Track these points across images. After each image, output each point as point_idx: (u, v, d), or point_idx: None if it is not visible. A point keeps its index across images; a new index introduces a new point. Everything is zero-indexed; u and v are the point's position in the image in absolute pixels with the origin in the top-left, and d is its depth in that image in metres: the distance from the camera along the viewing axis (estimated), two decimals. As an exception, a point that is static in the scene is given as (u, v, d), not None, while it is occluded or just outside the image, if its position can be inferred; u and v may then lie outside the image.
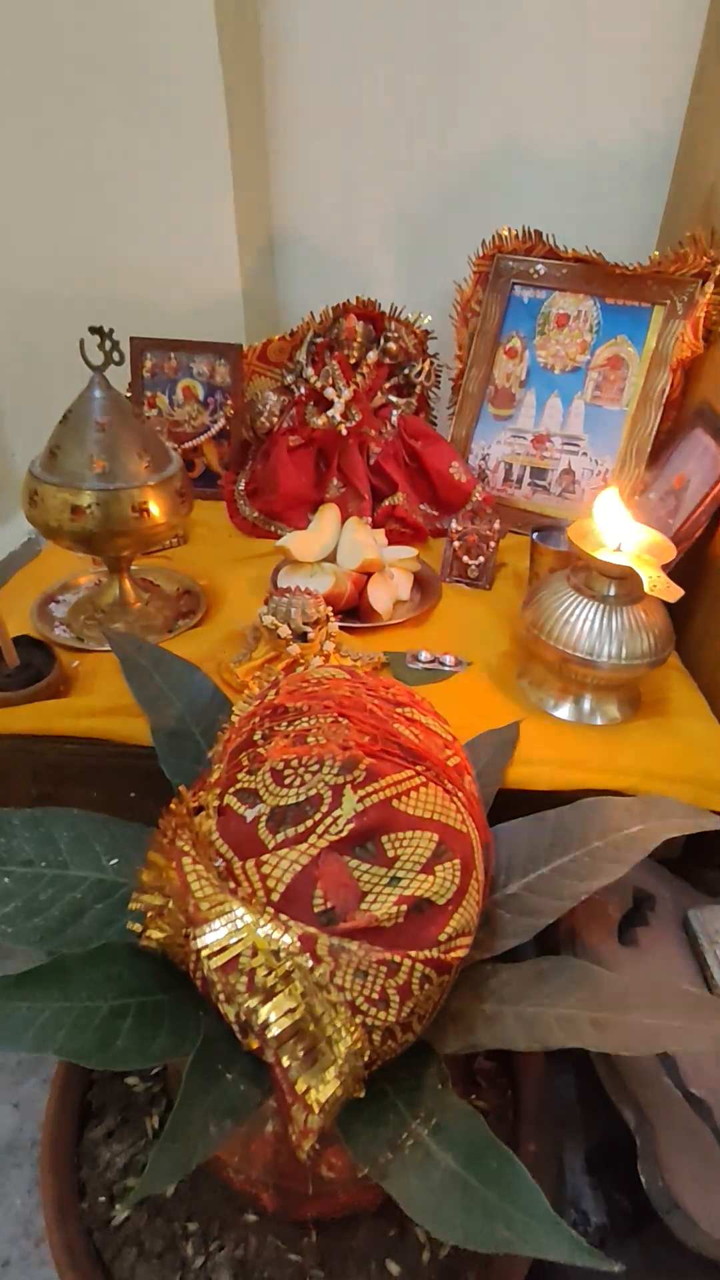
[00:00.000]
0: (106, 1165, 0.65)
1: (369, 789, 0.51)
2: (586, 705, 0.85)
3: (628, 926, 0.78)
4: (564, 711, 0.86)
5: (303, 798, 0.51)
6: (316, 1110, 0.42)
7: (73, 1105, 0.68)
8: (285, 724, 0.57)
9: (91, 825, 0.62)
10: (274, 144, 1.32)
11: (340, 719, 0.56)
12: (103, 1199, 0.63)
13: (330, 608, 0.91)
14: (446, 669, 0.91)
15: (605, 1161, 0.81)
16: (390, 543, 1.13)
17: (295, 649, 0.87)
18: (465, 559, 1.09)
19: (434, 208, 1.33)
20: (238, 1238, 0.61)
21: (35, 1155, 0.82)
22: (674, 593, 0.76)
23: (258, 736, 0.57)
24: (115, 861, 0.61)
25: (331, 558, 1.06)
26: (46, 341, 1.33)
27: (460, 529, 1.08)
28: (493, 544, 1.08)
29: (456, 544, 1.09)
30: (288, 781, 0.52)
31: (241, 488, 1.24)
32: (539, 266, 1.18)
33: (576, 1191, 0.79)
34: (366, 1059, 0.45)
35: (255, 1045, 0.46)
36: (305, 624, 0.88)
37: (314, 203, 1.36)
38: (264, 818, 0.51)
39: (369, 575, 1.01)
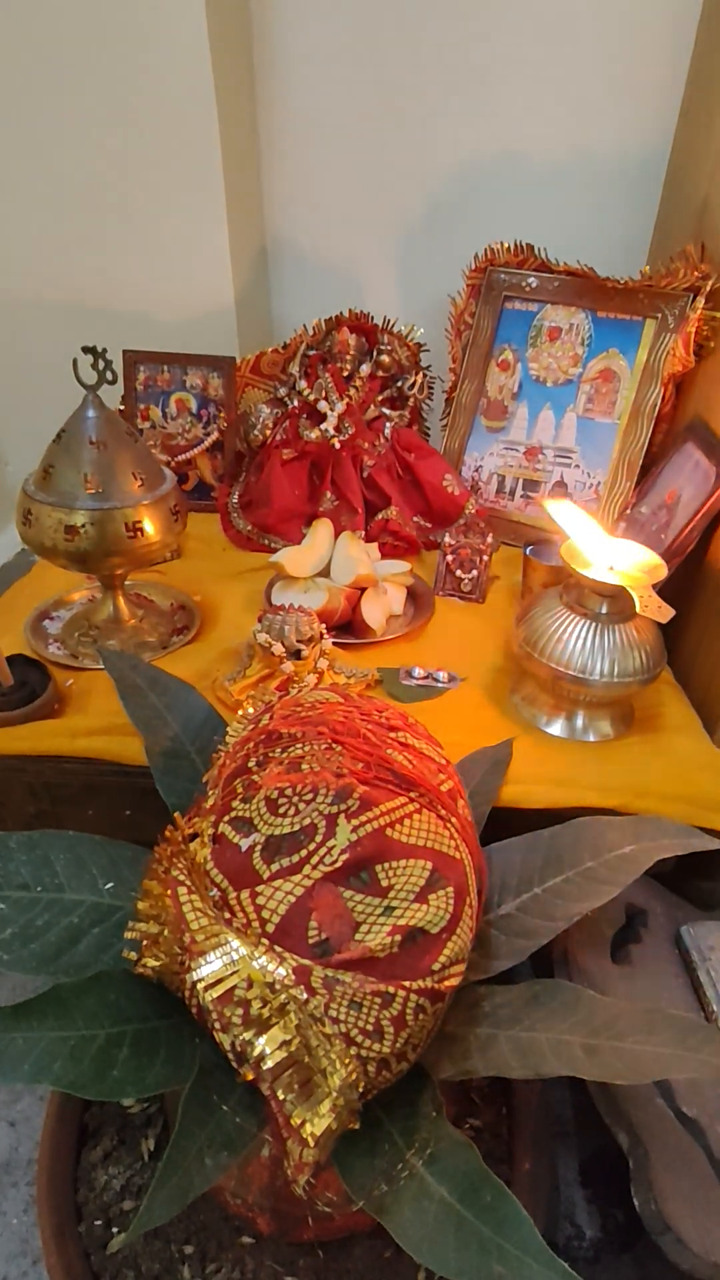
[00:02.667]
0: (104, 1188, 0.65)
1: (363, 818, 0.51)
2: (579, 722, 0.86)
3: (621, 942, 0.78)
4: (557, 728, 0.86)
5: (297, 827, 0.51)
6: (311, 1144, 0.42)
7: (70, 1128, 0.68)
8: (279, 750, 0.57)
9: (88, 847, 0.63)
10: (266, 155, 1.33)
11: (334, 745, 0.57)
12: (99, 1222, 0.64)
13: (324, 625, 0.92)
14: (440, 685, 0.92)
15: (599, 1174, 0.81)
16: (384, 556, 1.13)
17: (289, 667, 0.87)
18: (458, 573, 1.09)
19: (426, 220, 1.33)
20: (234, 1259, 0.61)
21: (32, 1173, 0.82)
22: (665, 613, 0.77)
23: (252, 763, 0.57)
24: (111, 885, 0.61)
25: (325, 572, 1.06)
26: (39, 351, 1.34)
27: (453, 542, 1.09)
28: (485, 557, 1.08)
29: (449, 557, 1.09)
30: (282, 810, 0.52)
31: (235, 500, 1.24)
32: (531, 279, 1.19)
33: (571, 1205, 0.79)
34: (361, 1090, 0.46)
35: (250, 1076, 0.46)
36: (299, 642, 0.88)
37: (306, 214, 1.36)
38: (259, 847, 0.51)
39: (363, 590, 1.01)
